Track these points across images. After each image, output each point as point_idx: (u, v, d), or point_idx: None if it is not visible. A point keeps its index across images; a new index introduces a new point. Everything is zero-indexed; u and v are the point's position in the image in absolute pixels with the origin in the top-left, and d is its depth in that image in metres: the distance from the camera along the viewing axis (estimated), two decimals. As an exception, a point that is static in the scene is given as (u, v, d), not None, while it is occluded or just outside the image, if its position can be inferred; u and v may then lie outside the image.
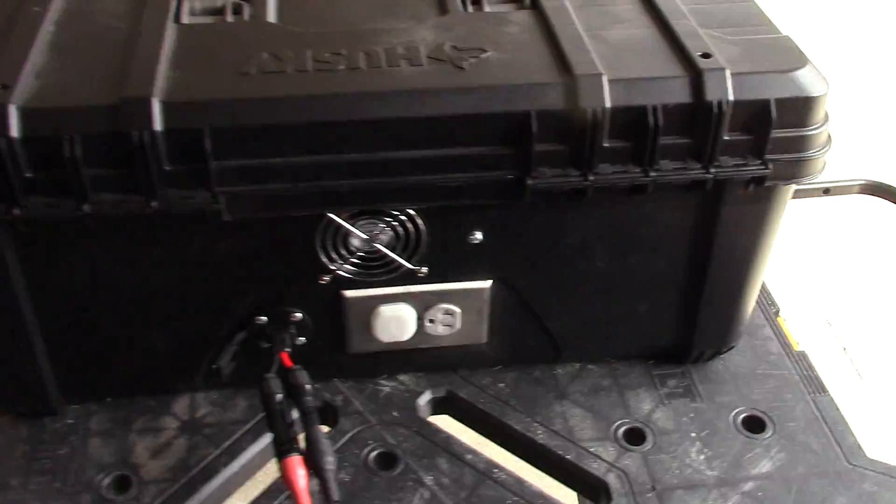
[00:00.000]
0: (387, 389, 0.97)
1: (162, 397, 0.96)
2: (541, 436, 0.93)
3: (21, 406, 0.93)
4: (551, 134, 0.77)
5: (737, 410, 0.96)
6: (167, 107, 0.73)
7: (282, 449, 0.79)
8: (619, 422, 0.94)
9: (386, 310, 0.89)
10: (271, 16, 0.86)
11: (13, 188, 0.73)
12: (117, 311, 0.86)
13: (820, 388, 0.98)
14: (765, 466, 0.90)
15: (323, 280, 0.87)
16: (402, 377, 0.99)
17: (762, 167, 0.80)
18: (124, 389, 0.95)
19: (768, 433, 0.93)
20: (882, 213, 1.18)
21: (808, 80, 0.79)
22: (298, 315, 0.89)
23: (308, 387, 0.83)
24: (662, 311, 0.95)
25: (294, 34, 0.83)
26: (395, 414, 0.95)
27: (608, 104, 0.76)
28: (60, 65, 0.77)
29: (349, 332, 0.91)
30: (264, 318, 0.89)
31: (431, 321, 0.91)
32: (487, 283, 0.90)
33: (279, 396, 0.83)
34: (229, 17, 0.86)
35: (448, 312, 0.91)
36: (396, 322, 0.90)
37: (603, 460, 0.91)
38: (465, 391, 0.97)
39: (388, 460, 0.90)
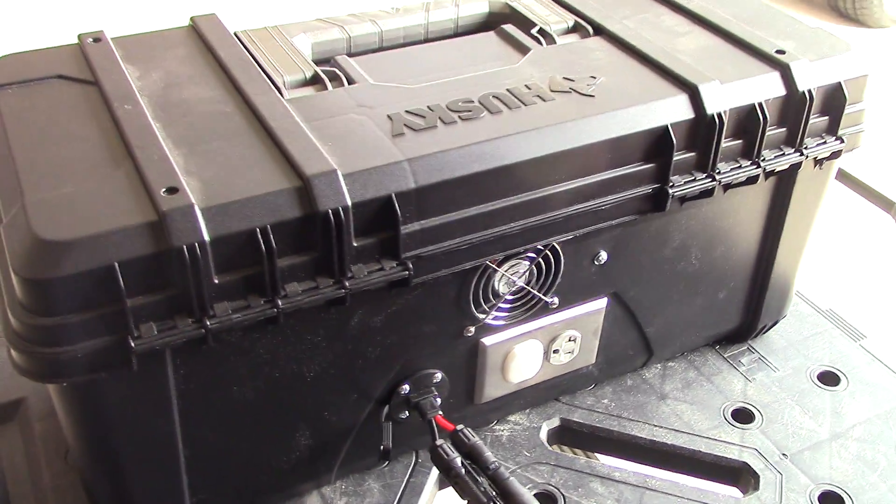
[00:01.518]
0: (505, 432, 0.96)
1: (293, 500, 0.88)
2: (667, 438, 0.96)
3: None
4: (681, 143, 0.82)
5: (810, 370, 1.04)
6: (350, 179, 0.69)
7: (486, 513, 0.77)
8: (723, 406, 1.00)
9: (520, 350, 0.89)
10: (369, 79, 0.83)
11: (203, 298, 0.66)
12: (269, 414, 0.79)
13: (860, 334, 1.09)
14: (859, 412, 0.99)
15: (468, 332, 0.85)
16: (510, 418, 0.98)
17: (839, 142, 0.90)
18: (257, 499, 0.86)
19: (843, 384, 1.03)
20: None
21: (860, 60, 0.89)
22: (439, 375, 0.86)
23: (481, 443, 0.81)
24: (737, 295, 1.02)
25: (411, 91, 0.81)
26: (526, 454, 0.94)
27: (728, 107, 0.82)
28: (203, 160, 0.70)
29: (482, 381, 0.90)
30: (406, 387, 0.85)
31: (556, 351, 0.92)
32: (603, 302, 0.92)
33: (459, 460, 0.80)
34: (330, 87, 0.82)
35: (571, 339, 0.92)
36: (528, 360, 0.90)
37: (731, 443, 0.95)
38: (576, 416, 0.98)
39: (548, 499, 0.89)
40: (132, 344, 0.64)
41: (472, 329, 0.85)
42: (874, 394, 1.01)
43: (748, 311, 1.04)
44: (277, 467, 0.84)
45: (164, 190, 0.66)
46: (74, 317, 0.63)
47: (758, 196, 0.94)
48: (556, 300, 0.87)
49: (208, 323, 0.66)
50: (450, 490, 0.83)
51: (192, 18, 0.90)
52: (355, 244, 0.70)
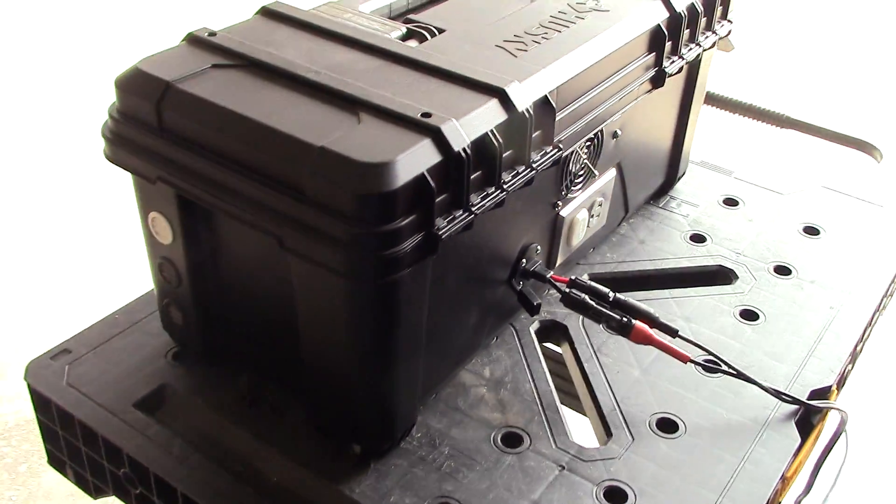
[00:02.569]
0: (554, 291, 1.22)
1: (453, 381, 1.07)
2: (661, 265, 1.29)
3: (367, 440, 0.97)
4: (669, 37, 1.14)
5: (717, 199, 1.43)
6: (525, 88, 0.92)
7: (623, 324, 1.04)
8: (682, 235, 1.35)
9: (579, 217, 1.16)
10: (450, 27, 1.04)
11: (468, 192, 0.85)
12: (458, 301, 0.98)
13: (730, 171, 1.50)
14: (755, 208, 1.40)
15: (557, 207, 1.10)
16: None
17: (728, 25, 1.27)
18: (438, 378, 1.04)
19: (741, 204, 1.43)
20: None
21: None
22: (538, 247, 1.11)
23: (593, 283, 1.08)
24: (665, 159, 1.37)
25: (491, 28, 1.03)
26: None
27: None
28: (411, 97, 0.88)
29: (556, 248, 1.15)
30: (524, 261, 1.08)
31: (591, 216, 1.20)
32: (614, 172, 1.22)
33: (585, 296, 1.06)
34: (428, 37, 1.02)
35: (599, 204, 1.21)
36: (581, 226, 1.17)
37: (702, 256, 1.31)
38: (595, 269, 1.27)
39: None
40: (440, 234, 0.82)
41: (560, 203, 1.10)
42: (754, 198, 1.42)
43: (671, 170, 1.40)
44: (457, 346, 1.03)
45: (420, 114, 0.84)
46: (403, 220, 0.80)
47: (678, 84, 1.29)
48: (596, 172, 1.16)
49: (474, 210, 0.86)
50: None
51: (263, 7, 1.04)
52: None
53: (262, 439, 0.99)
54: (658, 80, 1.14)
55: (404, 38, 1.02)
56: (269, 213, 0.83)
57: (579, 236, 1.18)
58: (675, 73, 1.17)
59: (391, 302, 0.86)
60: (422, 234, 0.82)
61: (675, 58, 1.16)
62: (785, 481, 1.02)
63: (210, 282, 0.99)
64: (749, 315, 1.20)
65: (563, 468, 0.97)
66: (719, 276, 1.29)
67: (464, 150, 0.83)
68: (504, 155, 0.88)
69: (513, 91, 0.90)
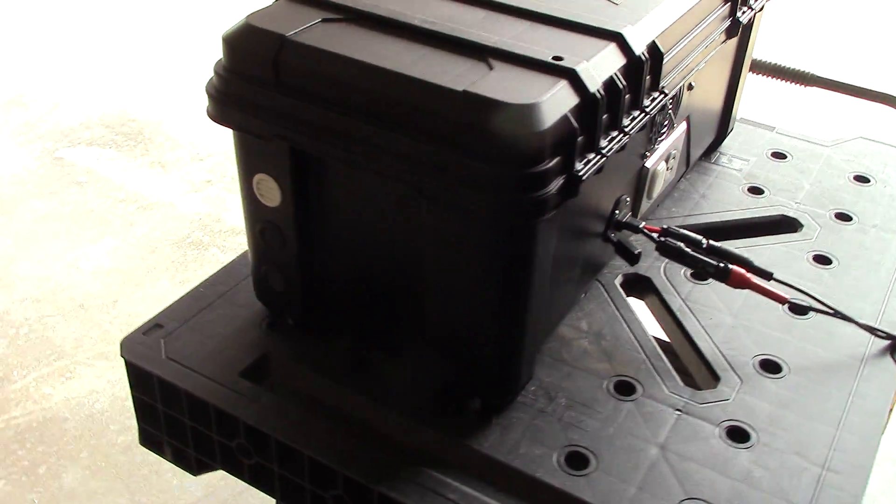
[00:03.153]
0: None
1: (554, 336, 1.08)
2: (726, 216, 1.31)
3: (491, 394, 0.97)
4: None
5: (764, 153, 1.45)
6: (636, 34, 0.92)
7: (720, 269, 1.05)
8: (740, 187, 1.37)
9: (659, 168, 1.17)
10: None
11: (599, 134, 0.86)
12: (560, 262, 0.98)
13: (772, 127, 1.52)
14: (792, 147, 1.42)
15: (645, 158, 1.11)
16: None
17: (783, -23, 1.29)
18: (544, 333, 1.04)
19: (788, 157, 1.45)
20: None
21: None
22: (627, 199, 1.11)
23: (685, 231, 1.09)
24: (718, 115, 1.39)
25: None
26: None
27: (752, -45, 1.17)
28: (528, 43, 0.88)
29: (640, 199, 1.16)
30: (617, 212, 1.09)
31: (668, 169, 1.21)
32: (685, 125, 1.23)
33: (680, 244, 1.07)
34: None
35: (673, 157, 1.22)
36: (662, 176, 1.18)
37: (762, 206, 1.33)
38: (664, 224, 1.28)
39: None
40: (581, 177, 0.82)
41: (647, 154, 1.11)
42: (801, 150, 1.45)
43: (722, 126, 1.42)
44: (562, 300, 1.04)
45: (552, 57, 0.84)
46: (549, 162, 0.79)
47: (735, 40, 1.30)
48: (675, 124, 1.17)
49: (605, 153, 0.86)
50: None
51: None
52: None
53: (377, 401, 0.98)
54: (733, 30, 1.15)
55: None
56: (407, 162, 0.82)
57: (659, 188, 1.19)
58: (746, 24, 1.18)
59: (529, 248, 0.85)
60: (563, 176, 0.81)
61: (745, 8, 1.18)
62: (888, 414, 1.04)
63: (317, 244, 0.98)
64: (822, 260, 1.22)
65: (681, 412, 0.98)
66: (783, 224, 1.31)
67: (598, 91, 0.83)
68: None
69: (629, 35, 0.90)
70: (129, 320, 2.42)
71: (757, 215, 1.31)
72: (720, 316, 1.12)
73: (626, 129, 0.90)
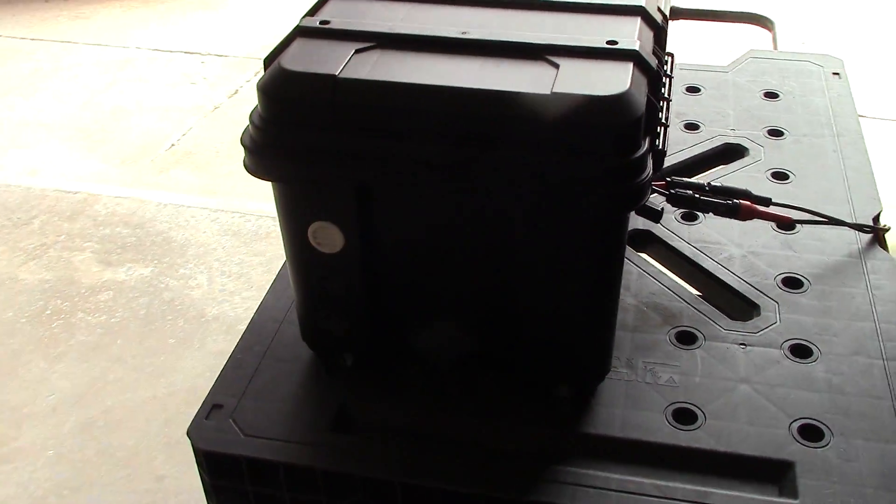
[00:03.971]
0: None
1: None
2: (682, 156, 1.38)
3: (586, 378, 0.99)
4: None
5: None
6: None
7: (731, 206, 1.13)
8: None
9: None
10: None
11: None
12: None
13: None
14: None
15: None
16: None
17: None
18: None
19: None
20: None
21: None
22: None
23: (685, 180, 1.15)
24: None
25: None
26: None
27: None
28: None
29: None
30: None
31: (635, 124, 1.26)
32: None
33: (689, 191, 1.14)
34: None
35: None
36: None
37: (706, 140, 1.42)
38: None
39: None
40: (664, 151, 0.85)
41: (636, 115, 1.15)
42: (708, 79, 1.56)
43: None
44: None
45: (606, 42, 0.85)
46: (644, 146, 0.82)
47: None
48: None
49: (667, 123, 0.89)
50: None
51: (333, -12, 0.98)
52: (661, 47, 0.97)
53: (473, 415, 0.97)
54: None
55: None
56: (499, 177, 0.81)
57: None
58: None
59: (622, 233, 0.88)
60: (651, 155, 0.84)
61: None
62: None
63: (383, 279, 0.95)
64: (780, 176, 1.33)
65: (745, 345, 1.05)
66: (731, 152, 1.40)
67: (657, 66, 0.86)
68: (656, 67, 0.92)
69: (649, 5, 0.93)
70: (13, 416, 2.20)
71: (705, 149, 1.40)
72: (728, 249, 1.19)
73: (668, 96, 0.93)
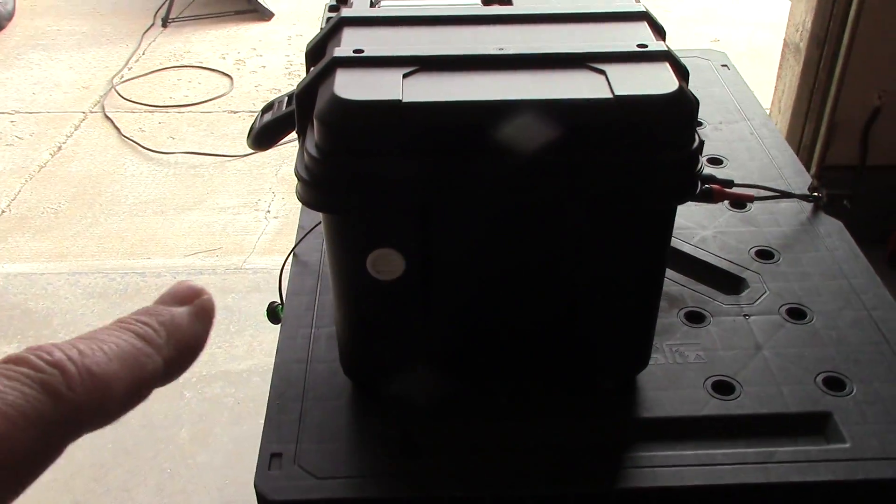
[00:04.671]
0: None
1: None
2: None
3: (630, 370, 1.05)
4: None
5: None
6: (642, 7, 1.03)
7: (705, 192, 1.22)
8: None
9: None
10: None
11: (687, 99, 0.95)
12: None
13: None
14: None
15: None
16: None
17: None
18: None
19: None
20: None
21: None
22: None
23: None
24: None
25: None
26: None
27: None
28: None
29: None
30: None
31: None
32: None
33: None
34: None
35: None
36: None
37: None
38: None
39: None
40: (703, 141, 0.92)
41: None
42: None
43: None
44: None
45: (636, 45, 0.91)
46: (697, 137, 0.88)
47: None
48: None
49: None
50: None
51: (341, 18, 0.98)
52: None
53: (531, 419, 1.00)
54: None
55: (485, 3, 1.04)
56: (567, 186, 0.85)
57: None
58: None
59: (673, 223, 0.93)
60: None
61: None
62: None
63: (440, 300, 0.95)
64: (716, 161, 1.44)
65: (748, 315, 1.13)
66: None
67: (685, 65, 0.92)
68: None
69: (650, 10, 1.00)
70: None
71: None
72: (699, 232, 1.28)
73: (675, 93, 1.00)
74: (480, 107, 0.84)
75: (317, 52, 0.97)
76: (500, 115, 0.83)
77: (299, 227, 1.30)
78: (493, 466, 0.95)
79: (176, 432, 2.31)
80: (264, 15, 4.75)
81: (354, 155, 0.84)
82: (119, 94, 3.94)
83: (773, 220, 1.30)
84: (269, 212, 3.18)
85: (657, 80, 0.86)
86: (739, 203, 1.32)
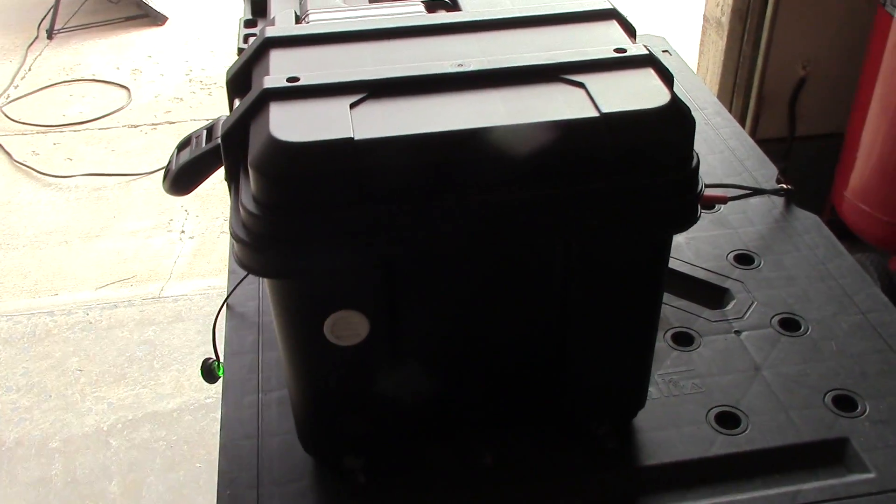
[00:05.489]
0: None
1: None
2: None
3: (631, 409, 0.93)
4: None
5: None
6: (607, 3, 0.91)
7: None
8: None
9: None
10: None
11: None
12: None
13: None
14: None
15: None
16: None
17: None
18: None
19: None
20: None
21: None
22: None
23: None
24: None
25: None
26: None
27: None
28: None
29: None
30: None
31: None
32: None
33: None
34: (457, 10, 0.92)
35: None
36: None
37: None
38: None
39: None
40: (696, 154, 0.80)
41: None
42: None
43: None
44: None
45: (614, 50, 0.79)
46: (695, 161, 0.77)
47: None
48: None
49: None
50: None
51: (266, 39, 0.84)
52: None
53: (524, 482, 0.88)
54: None
55: (429, 10, 0.91)
56: (552, 217, 0.73)
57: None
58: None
59: (668, 252, 0.82)
60: (691, 160, 0.79)
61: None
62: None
63: (408, 359, 0.82)
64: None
65: (738, 332, 1.03)
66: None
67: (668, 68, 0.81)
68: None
69: (617, 7, 0.88)
70: None
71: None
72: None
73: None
74: (448, 139, 0.71)
75: (240, 79, 0.83)
76: (470, 147, 0.70)
77: (230, 272, 1.15)
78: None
79: (104, 486, 2.12)
80: (157, 19, 4.50)
81: (302, 208, 0.70)
82: (6, 116, 3.66)
83: (746, 220, 1.20)
84: (183, 232, 2.98)
85: (645, 92, 0.74)
86: (709, 205, 1.22)
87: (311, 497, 0.86)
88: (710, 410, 0.93)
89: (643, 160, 0.72)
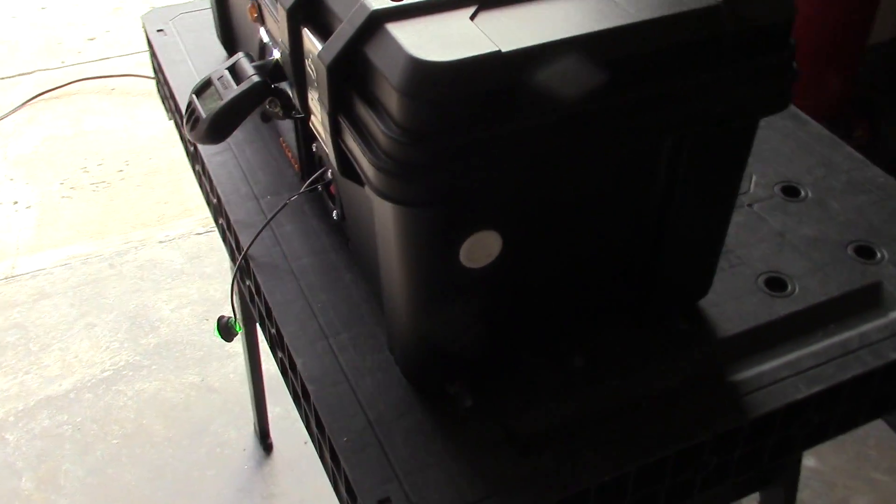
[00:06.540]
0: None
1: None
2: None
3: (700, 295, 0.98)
4: None
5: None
6: None
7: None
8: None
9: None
10: None
11: None
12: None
13: None
14: None
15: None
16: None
17: None
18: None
19: None
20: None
21: None
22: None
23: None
24: None
25: None
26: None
27: None
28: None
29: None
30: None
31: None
32: None
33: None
34: None
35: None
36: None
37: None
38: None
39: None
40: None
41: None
42: None
43: None
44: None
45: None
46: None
47: None
48: None
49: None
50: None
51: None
52: None
53: (620, 379, 0.91)
54: None
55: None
56: (678, 109, 0.75)
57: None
58: None
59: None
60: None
61: None
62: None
63: (533, 270, 0.82)
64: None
65: (751, 205, 1.10)
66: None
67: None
68: None
69: None
70: None
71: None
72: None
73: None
74: (588, 42, 0.69)
75: (310, 7, 0.77)
76: (611, 48, 0.70)
77: (233, 222, 1.08)
78: (619, 439, 0.85)
79: (15, 484, 1.95)
80: None
81: (456, 130, 0.67)
82: None
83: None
84: (16, 203, 2.71)
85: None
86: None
87: (429, 426, 0.85)
88: (757, 278, 0.99)
89: (758, 41, 0.74)
